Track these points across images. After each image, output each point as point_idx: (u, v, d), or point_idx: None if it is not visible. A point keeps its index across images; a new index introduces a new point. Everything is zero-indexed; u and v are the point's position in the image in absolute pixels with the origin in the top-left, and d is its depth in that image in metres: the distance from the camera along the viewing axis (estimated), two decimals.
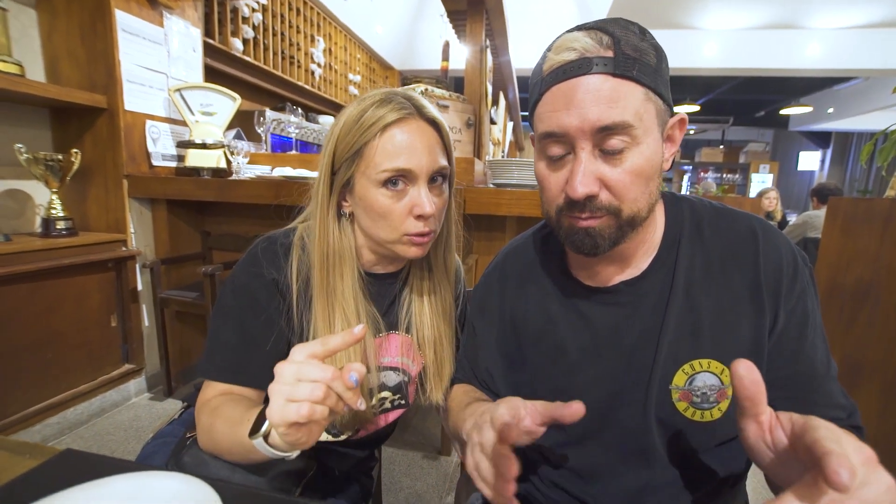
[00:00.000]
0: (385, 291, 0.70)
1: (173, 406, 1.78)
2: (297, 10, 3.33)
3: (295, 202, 0.73)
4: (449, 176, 0.65)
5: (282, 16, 3.15)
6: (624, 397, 0.55)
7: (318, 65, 3.60)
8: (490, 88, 2.49)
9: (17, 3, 1.60)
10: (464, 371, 0.69)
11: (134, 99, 1.77)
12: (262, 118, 2.32)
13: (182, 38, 2.00)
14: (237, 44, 2.63)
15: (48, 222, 1.56)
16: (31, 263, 1.44)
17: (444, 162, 0.62)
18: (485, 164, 2.00)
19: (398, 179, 0.59)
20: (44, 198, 1.66)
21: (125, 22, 1.71)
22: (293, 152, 2.63)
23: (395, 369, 0.69)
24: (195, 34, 2.08)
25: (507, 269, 0.66)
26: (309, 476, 0.64)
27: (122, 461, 0.46)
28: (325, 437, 0.67)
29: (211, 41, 2.38)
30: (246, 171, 1.90)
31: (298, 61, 3.37)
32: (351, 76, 4.21)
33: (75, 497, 0.39)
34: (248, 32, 2.75)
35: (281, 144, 2.43)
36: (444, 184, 0.64)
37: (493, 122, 2.96)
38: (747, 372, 0.37)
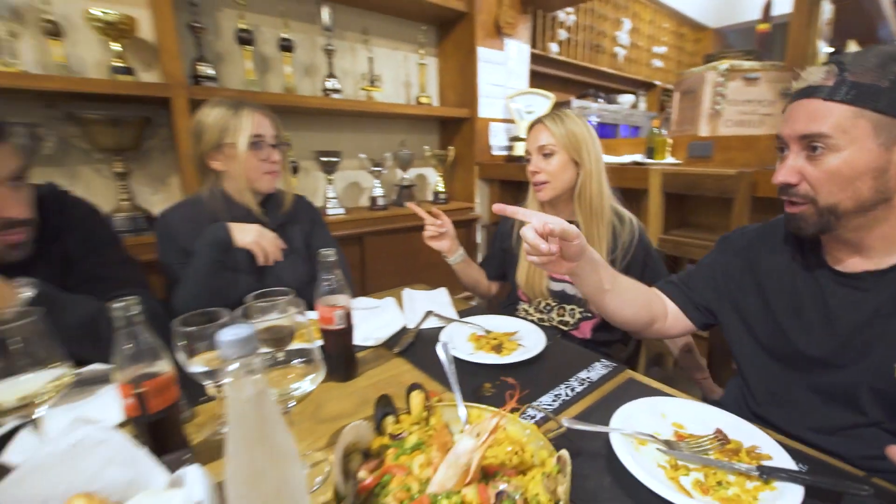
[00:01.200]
0: None
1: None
2: None
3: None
4: (567, 154, 1.15)
5: (592, 9, 3.49)
6: (841, 362, 0.67)
7: (623, 46, 3.78)
8: (824, 45, 2.13)
9: (429, 55, 2.56)
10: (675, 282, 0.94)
11: (484, 108, 2.53)
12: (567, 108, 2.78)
13: (516, 55, 2.65)
14: (553, 47, 3.16)
15: (437, 194, 2.51)
16: None
17: (543, 142, 1.17)
18: None
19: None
20: (434, 179, 2.65)
21: (483, 54, 2.45)
22: None
23: (569, 283, 1.24)
24: (525, 49, 2.69)
25: (766, 235, 0.82)
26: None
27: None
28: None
29: (534, 50, 2.97)
30: None
31: (603, 48, 3.65)
32: (655, 49, 4.16)
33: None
34: (562, 34, 3.24)
35: None
36: (551, 157, 1.16)
37: None
38: None
